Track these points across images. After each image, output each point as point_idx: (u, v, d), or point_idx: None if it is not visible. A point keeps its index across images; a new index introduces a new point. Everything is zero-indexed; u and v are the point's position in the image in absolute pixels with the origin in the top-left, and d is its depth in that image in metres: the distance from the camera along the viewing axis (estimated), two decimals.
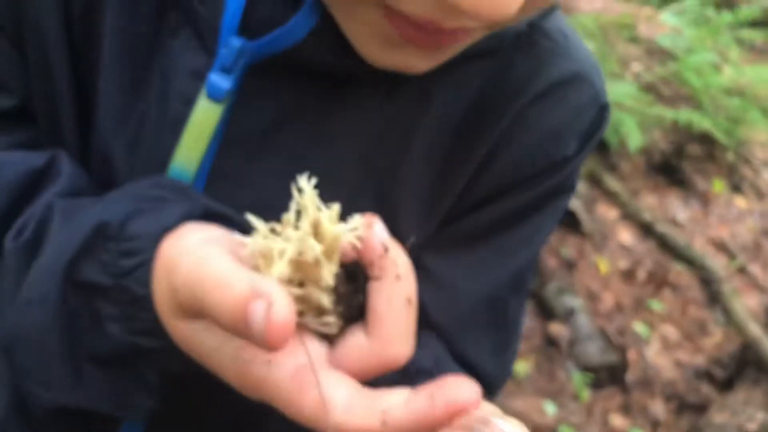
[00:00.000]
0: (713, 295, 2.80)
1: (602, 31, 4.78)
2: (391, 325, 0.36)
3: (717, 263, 3.04)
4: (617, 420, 2.05)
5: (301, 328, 0.36)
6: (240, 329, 0.32)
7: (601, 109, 0.56)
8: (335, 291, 0.36)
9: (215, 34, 0.46)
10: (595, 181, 3.22)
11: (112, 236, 0.40)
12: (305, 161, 0.46)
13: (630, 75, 4.70)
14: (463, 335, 0.53)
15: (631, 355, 2.31)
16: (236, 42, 0.45)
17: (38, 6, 0.48)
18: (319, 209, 0.35)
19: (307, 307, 0.36)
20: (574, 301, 2.36)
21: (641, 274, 2.80)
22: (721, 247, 3.29)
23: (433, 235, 0.54)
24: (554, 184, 0.55)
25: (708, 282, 2.88)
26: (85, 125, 0.51)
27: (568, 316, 2.30)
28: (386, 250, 0.36)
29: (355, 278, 0.37)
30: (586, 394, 2.09)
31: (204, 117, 0.46)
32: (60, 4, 0.48)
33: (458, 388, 0.32)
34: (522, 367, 2.09)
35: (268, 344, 0.31)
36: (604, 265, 2.78)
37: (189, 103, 0.47)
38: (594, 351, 2.19)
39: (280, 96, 0.49)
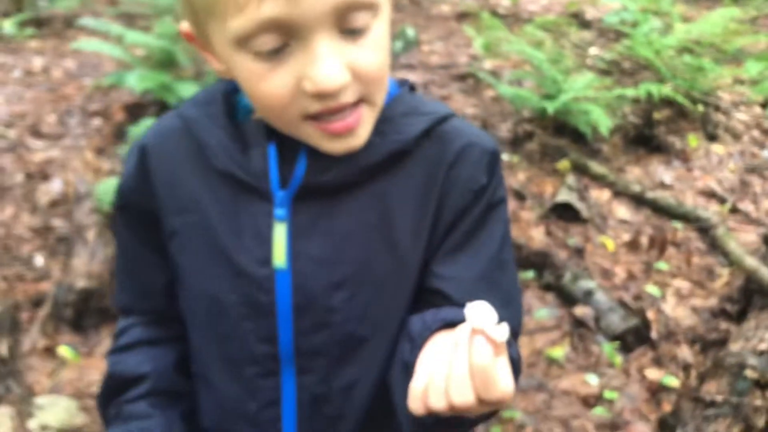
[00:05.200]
0: (712, 241, 3.10)
1: (552, 30, 5.12)
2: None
3: (710, 211, 3.34)
4: (652, 373, 2.34)
5: None
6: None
7: (492, 154, 0.87)
8: None
9: (267, 187, 0.80)
10: (581, 171, 3.53)
11: None
12: (339, 235, 0.82)
13: (590, 59, 5.04)
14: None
15: (651, 314, 2.60)
16: (281, 193, 0.80)
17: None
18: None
19: None
20: (590, 283, 2.67)
21: (644, 241, 3.10)
22: (710, 195, 3.58)
23: (430, 257, 0.86)
24: (486, 203, 0.86)
25: (705, 230, 3.18)
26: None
27: (587, 297, 2.61)
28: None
29: None
30: (619, 359, 2.39)
31: (279, 232, 0.81)
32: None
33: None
34: (559, 351, 2.40)
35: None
36: (609, 243, 3.09)
37: (268, 228, 0.81)
38: (617, 320, 2.49)
39: (314, 206, 0.82)
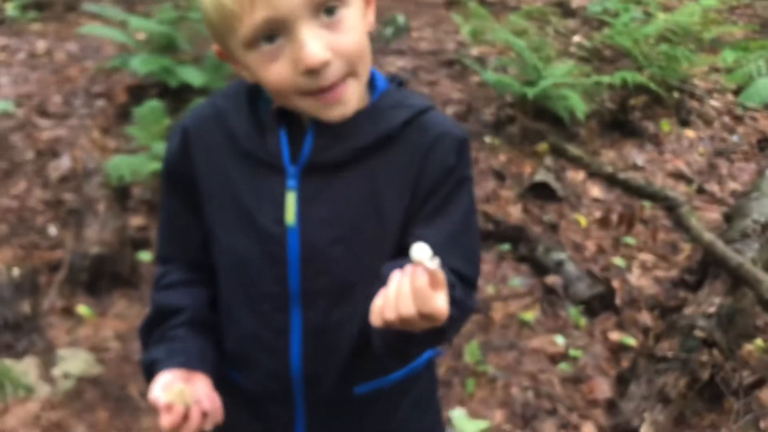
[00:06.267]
0: (677, 219, 3.34)
1: (537, 19, 5.32)
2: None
3: (677, 191, 3.58)
4: (614, 335, 2.58)
5: None
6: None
7: (461, 142, 1.07)
8: None
9: (281, 163, 1.01)
10: (559, 153, 3.76)
11: None
12: (338, 202, 1.03)
13: (573, 47, 5.25)
14: (447, 259, 0.88)
15: (616, 284, 2.84)
16: (292, 168, 1.01)
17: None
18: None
19: None
20: (561, 255, 2.90)
21: (614, 218, 3.34)
22: (679, 176, 3.82)
23: (409, 221, 1.05)
24: (454, 180, 1.06)
25: (672, 209, 3.41)
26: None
27: (558, 268, 2.84)
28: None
29: None
30: (584, 322, 2.62)
31: (290, 199, 1.02)
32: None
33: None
34: (530, 315, 2.64)
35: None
36: (582, 220, 3.32)
37: (282, 195, 1.02)
38: (584, 288, 2.73)
39: (318, 179, 1.03)
